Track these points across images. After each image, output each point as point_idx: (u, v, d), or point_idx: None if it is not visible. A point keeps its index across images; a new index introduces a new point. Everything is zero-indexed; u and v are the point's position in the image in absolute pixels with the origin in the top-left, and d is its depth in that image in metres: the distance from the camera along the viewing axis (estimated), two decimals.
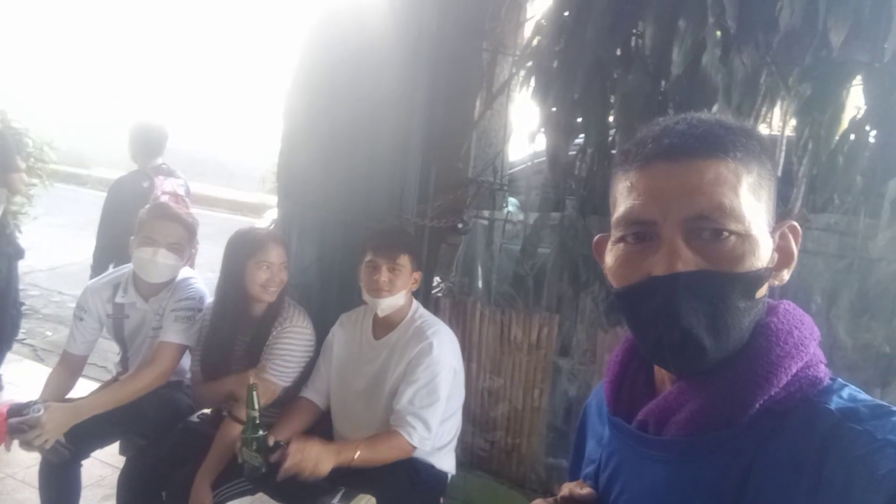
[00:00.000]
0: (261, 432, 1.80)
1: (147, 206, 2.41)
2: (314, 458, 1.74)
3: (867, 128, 1.79)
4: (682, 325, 0.68)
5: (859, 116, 1.81)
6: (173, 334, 2.19)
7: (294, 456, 1.72)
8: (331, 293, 2.45)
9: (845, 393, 0.68)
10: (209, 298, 2.30)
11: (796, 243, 0.75)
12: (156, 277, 2.25)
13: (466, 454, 2.32)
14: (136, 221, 2.27)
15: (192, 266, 2.39)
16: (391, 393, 1.99)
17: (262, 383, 1.95)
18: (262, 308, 2.15)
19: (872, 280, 1.77)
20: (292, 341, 2.11)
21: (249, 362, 2.11)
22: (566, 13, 2.02)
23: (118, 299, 2.31)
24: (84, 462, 2.22)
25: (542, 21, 2.11)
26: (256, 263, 2.07)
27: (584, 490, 0.82)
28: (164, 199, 3.40)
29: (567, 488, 0.83)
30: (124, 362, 2.43)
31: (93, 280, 2.41)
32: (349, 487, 1.81)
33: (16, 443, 1.98)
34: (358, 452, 1.81)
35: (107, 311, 2.32)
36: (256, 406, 1.80)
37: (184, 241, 2.26)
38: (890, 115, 1.74)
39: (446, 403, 1.98)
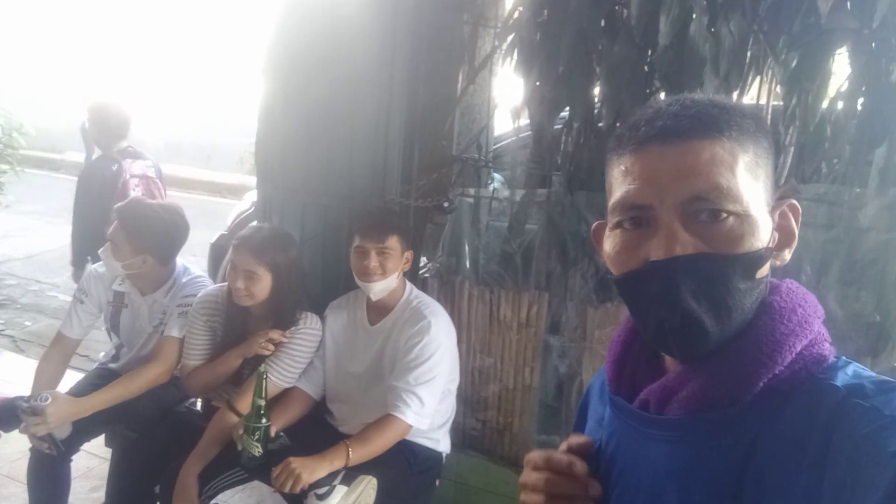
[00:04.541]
0: (264, 421, 1.80)
1: (130, 198, 2.35)
2: (304, 469, 1.71)
3: (855, 94, 1.78)
4: (683, 308, 0.67)
5: (846, 84, 1.79)
6: (177, 329, 2.17)
7: (279, 478, 1.71)
8: (315, 279, 2.40)
9: (850, 370, 0.67)
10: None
11: (797, 222, 0.74)
12: (106, 270, 2.24)
13: (458, 434, 2.31)
14: (111, 211, 2.23)
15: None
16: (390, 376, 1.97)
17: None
18: (260, 308, 2.07)
19: (862, 250, 1.77)
20: (302, 343, 2.06)
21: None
22: None
23: (116, 286, 2.28)
24: None
25: None
26: (229, 263, 2.03)
27: (582, 439, 0.82)
28: (134, 182, 3.32)
29: (564, 444, 0.83)
30: (117, 354, 2.39)
31: (95, 264, 2.37)
32: (349, 470, 1.80)
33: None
34: (350, 452, 1.79)
35: (108, 297, 2.30)
36: (264, 395, 1.79)
37: (124, 247, 2.15)
38: (877, 83, 1.73)
39: (443, 382, 1.97)
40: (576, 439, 0.82)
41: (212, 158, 11.37)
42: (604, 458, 0.81)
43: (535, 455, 0.81)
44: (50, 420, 1.93)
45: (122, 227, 2.14)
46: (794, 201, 0.74)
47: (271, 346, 2.02)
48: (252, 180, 2.68)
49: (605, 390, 0.86)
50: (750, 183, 0.68)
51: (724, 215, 0.67)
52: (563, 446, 0.82)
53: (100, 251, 2.20)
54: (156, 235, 2.17)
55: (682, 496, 0.70)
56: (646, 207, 0.69)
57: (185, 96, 11.73)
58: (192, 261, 2.42)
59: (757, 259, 0.68)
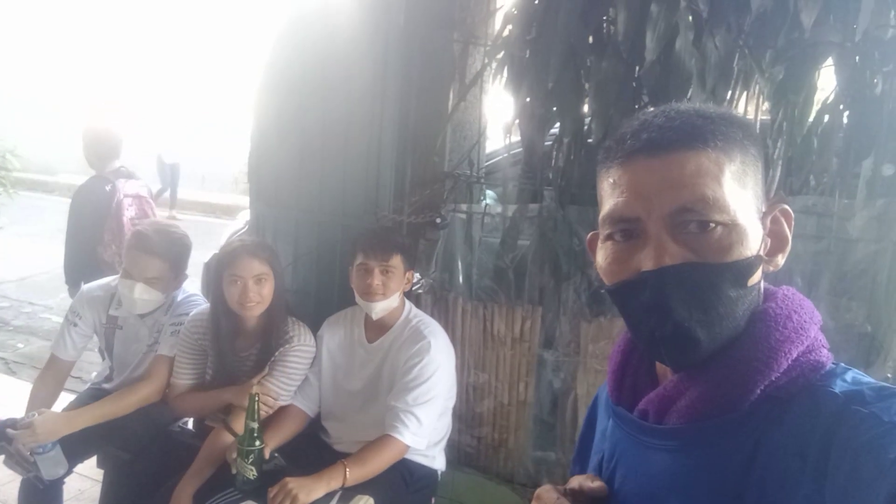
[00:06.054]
0: (258, 444, 1.78)
1: (133, 230, 2.30)
2: (301, 489, 1.69)
3: (840, 107, 1.80)
4: (673, 318, 0.68)
5: (832, 97, 1.81)
6: (168, 348, 2.16)
7: (275, 498, 1.68)
8: (309, 295, 2.40)
9: (849, 376, 0.67)
10: None
11: (789, 227, 0.74)
12: (136, 310, 2.20)
13: (454, 451, 2.29)
14: (105, 231, 2.23)
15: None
16: (388, 395, 1.96)
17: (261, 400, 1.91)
18: (257, 321, 2.06)
19: (851, 260, 1.78)
20: (297, 360, 2.05)
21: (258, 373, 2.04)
22: (536, 1, 1.99)
23: (111, 311, 2.26)
24: None
25: (513, 10, 2.08)
26: (229, 278, 1.99)
27: (595, 483, 0.80)
28: (128, 201, 3.32)
29: (576, 481, 0.81)
30: (111, 374, 2.37)
31: (88, 285, 2.35)
32: (346, 489, 1.79)
33: None
34: (347, 472, 1.77)
35: (101, 320, 2.28)
36: (257, 417, 1.78)
37: (165, 274, 2.16)
38: (862, 95, 1.75)
39: (442, 402, 1.96)
40: (589, 483, 0.79)
41: (206, 179, 11.38)
42: (607, 467, 0.81)
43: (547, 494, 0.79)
44: (39, 432, 1.92)
45: (160, 259, 2.13)
46: (787, 206, 0.74)
47: (270, 401, 1.99)
48: (246, 200, 2.68)
49: (608, 400, 0.86)
50: (737, 191, 0.68)
51: (712, 225, 0.67)
52: (574, 484, 0.80)
53: (136, 295, 2.12)
54: (186, 250, 2.25)
55: None
56: (634, 220, 0.70)
57: (180, 117, 11.75)
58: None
59: (747, 267, 0.68)
